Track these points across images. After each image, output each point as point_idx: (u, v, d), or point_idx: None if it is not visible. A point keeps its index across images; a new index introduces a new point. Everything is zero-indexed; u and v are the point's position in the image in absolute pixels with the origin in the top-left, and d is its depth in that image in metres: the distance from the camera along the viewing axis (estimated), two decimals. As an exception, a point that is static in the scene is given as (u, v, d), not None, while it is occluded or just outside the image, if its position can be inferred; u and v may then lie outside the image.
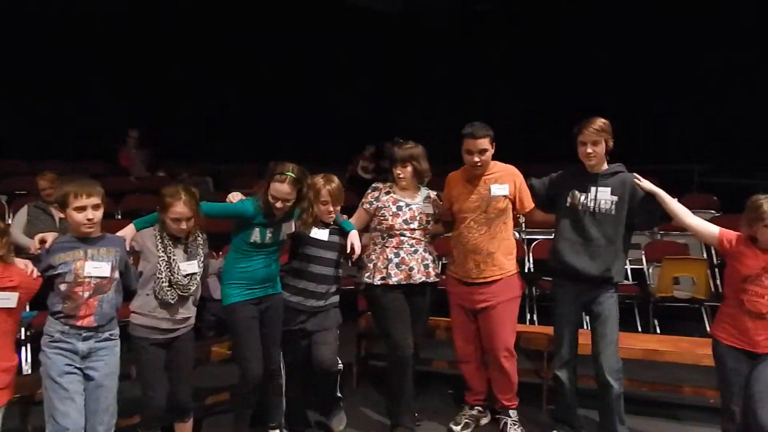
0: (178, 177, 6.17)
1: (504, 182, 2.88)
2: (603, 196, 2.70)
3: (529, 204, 2.95)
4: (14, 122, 6.59)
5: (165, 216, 2.44)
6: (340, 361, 2.88)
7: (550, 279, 4.50)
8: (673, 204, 2.63)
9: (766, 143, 6.88)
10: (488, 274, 2.86)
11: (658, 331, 4.44)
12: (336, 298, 2.90)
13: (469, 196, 2.89)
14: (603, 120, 2.71)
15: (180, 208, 2.41)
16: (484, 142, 2.79)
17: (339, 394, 2.98)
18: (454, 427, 3.02)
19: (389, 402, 3.03)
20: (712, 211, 5.67)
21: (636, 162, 8.27)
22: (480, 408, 3.10)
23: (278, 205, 2.58)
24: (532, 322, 4.60)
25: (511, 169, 2.95)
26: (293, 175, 2.56)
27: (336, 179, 2.84)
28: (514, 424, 2.95)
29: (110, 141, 7.17)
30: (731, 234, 2.48)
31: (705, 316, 4.43)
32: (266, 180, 2.61)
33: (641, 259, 5.00)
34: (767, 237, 2.33)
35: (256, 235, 2.63)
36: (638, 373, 3.29)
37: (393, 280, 2.87)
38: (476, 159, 2.80)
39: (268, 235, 2.65)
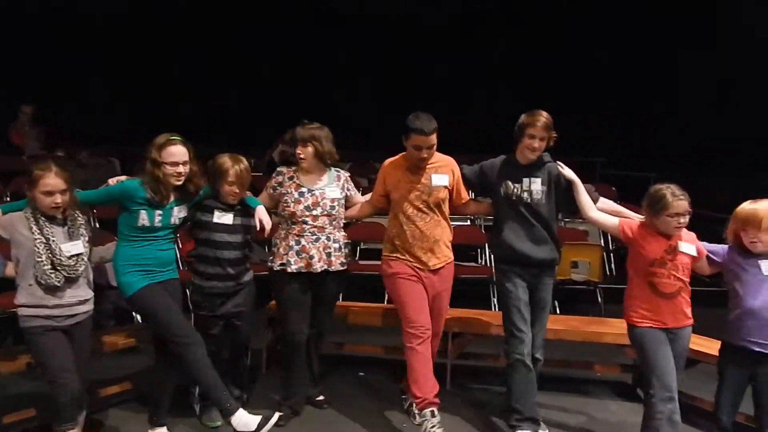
0: (78, 156, 5.72)
1: (444, 172, 2.90)
2: (535, 187, 2.79)
3: (465, 195, 3.02)
4: None
5: (35, 192, 2.28)
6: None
7: (465, 264, 4.69)
8: (583, 196, 2.76)
9: (659, 139, 7.54)
10: (436, 261, 2.90)
11: (558, 311, 4.75)
12: (250, 275, 2.88)
13: (411, 185, 2.87)
14: (547, 115, 2.76)
15: (51, 179, 2.26)
16: (434, 138, 2.78)
17: (240, 392, 2.93)
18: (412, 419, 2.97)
19: (283, 384, 3.02)
20: (610, 201, 6.10)
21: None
22: None
23: (179, 170, 2.50)
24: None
25: (450, 160, 2.98)
26: (180, 138, 2.50)
27: (245, 161, 2.76)
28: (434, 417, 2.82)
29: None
30: (631, 222, 2.64)
31: (599, 297, 4.75)
32: (151, 155, 2.50)
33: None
34: (669, 226, 2.48)
35: (143, 219, 2.51)
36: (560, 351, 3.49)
37: (292, 268, 2.82)
38: (425, 155, 2.81)
39: (157, 218, 2.54)
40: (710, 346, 3.04)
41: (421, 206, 2.85)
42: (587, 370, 3.54)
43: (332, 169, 2.98)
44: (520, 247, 2.79)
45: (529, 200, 2.79)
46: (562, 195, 2.82)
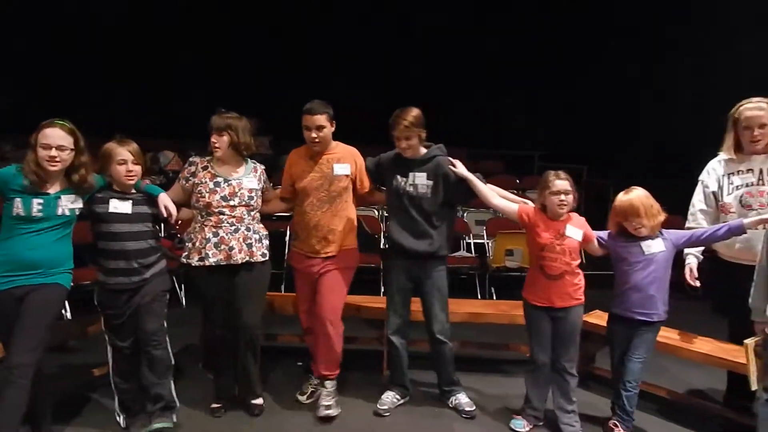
0: (2, 149, 5.45)
1: (346, 162, 2.96)
2: (420, 181, 2.90)
3: (368, 184, 3.07)
4: None
5: None
6: (171, 355, 2.72)
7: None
8: (481, 186, 2.90)
9: (594, 135, 7.90)
10: (329, 249, 2.96)
11: (495, 297, 4.97)
12: (161, 265, 2.71)
13: (312, 174, 2.93)
14: (414, 113, 2.83)
15: None
16: (321, 119, 2.83)
17: (171, 394, 2.75)
18: (300, 397, 3.12)
19: (215, 376, 3.03)
20: (499, 189, 6.36)
21: (488, 146, 8.89)
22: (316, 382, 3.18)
23: (51, 153, 2.30)
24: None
25: (353, 150, 3.04)
26: (63, 122, 2.37)
27: (134, 143, 2.63)
28: (328, 396, 2.95)
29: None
30: (528, 208, 2.82)
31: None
32: (32, 138, 2.33)
33: (483, 234, 5.52)
34: (553, 204, 2.69)
35: (18, 207, 2.30)
36: (466, 334, 3.66)
37: (211, 261, 2.75)
38: (314, 135, 2.85)
39: (36, 206, 2.31)
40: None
41: (322, 196, 2.93)
42: (516, 352, 3.71)
43: (249, 160, 2.95)
44: (399, 238, 2.93)
45: (414, 194, 2.89)
46: (451, 189, 2.91)
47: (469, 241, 5.52)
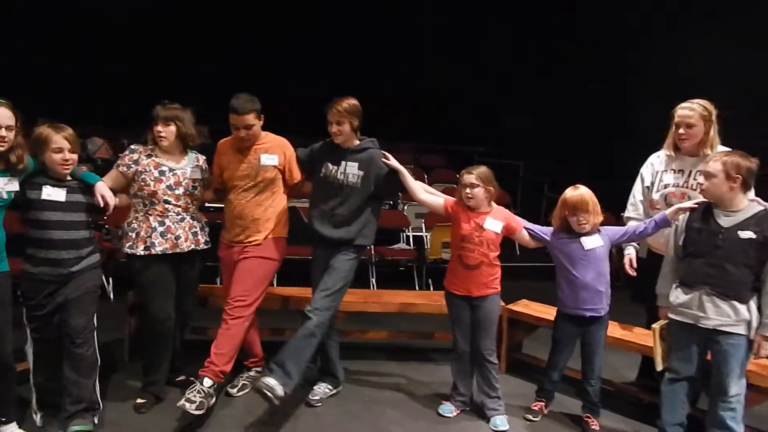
0: None
1: (274, 153, 2.93)
2: (351, 170, 2.90)
3: (298, 175, 3.05)
4: None
5: None
6: (98, 354, 2.60)
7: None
8: (411, 182, 2.95)
9: (532, 132, 8.17)
10: (253, 239, 2.93)
11: (432, 288, 5.06)
12: (93, 258, 2.60)
13: (239, 165, 2.90)
14: (350, 102, 2.85)
15: None
16: (249, 118, 2.79)
17: (94, 395, 2.61)
18: (231, 390, 3.07)
19: (145, 371, 2.93)
20: (424, 185, 6.51)
21: (431, 141, 8.96)
22: (258, 369, 3.20)
23: (2, 133, 2.22)
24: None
25: (282, 141, 3.01)
26: (5, 102, 2.26)
27: (69, 128, 2.52)
28: (200, 392, 2.68)
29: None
30: (452, 201, 2.90)
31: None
32: None
33: (422, 227, 5.62)
34: (461, 196, 2.78)
35: None
36: (398, 325, 3.72)
37: (157, 250, 2.75)
38: (242, 134, 2.83)
39: None
40: (546, 312, 3.45)
41: (248, 185, 2.90)
42: (444, 340, 3.80)
43: (190, 151, 2.94)
44: (319, 228, 2.93)
45: (344, 183, 2.91)
46: (381, 182, 2.94)
47: (408, 234, 5.60)
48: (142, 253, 2.74)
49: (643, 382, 3.23)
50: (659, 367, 2.68)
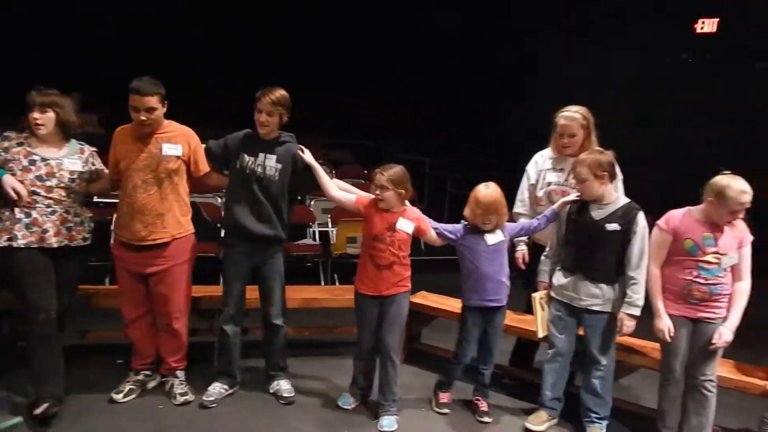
0: None
1: (177, 142, 2.81)
2: (269, 163, 2.86)
3: (204, 167, 2.94)
4: None
5: None
6: None
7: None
8: (324, 178, 2.95)
9: (438, 128, 8.45)
10: (158, 236, 2.78)
11: (337, 283, 5.09)
12: None
13: (139, 154, 2.75)
14: (283, 93, 2.84)
15: None
16: (152, 100, 2.66)
17: None
18: (116, 396, 2.89)
19: (31, 374, 2.68)
20: (341, 182, 6.59)
21: (339, 136, 8.99)
22: (147, 372, 3.04)
23: None
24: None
25: (187, 131, 2.90)
26: None
27: None
28: (181, 384, 2.97)
29: None
30: (365, 199, 2.90)
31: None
32: None
33: (328, 222, 5.61)
34: (377, 197, 2.80)
35: None
36: (301, 320, 3.71)
37: (20, 242, 2.58)
38: (142, 117, 2.68)
39: None
40: (443, 302, 3.60)
41: (148, 177, 2.77)
42: (345, 334, 3.85)
43: (74, 141, 2.76)
44: (243, 220, 2.87)
45: (261, 175, 2.86)
46: (297, 177, 2.94)
47: (314, 229, 5.56)
48: (4, 244, 2.58)
49: (518, 362, 3.51)
50: (540, 335, 2.96)
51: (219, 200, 5.30)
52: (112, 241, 2.97)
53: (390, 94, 8.81)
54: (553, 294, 2.89)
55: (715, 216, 2.54)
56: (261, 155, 2.87)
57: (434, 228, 2.99)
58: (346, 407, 2.97)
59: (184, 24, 7.89)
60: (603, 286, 2.71)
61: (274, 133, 2.92)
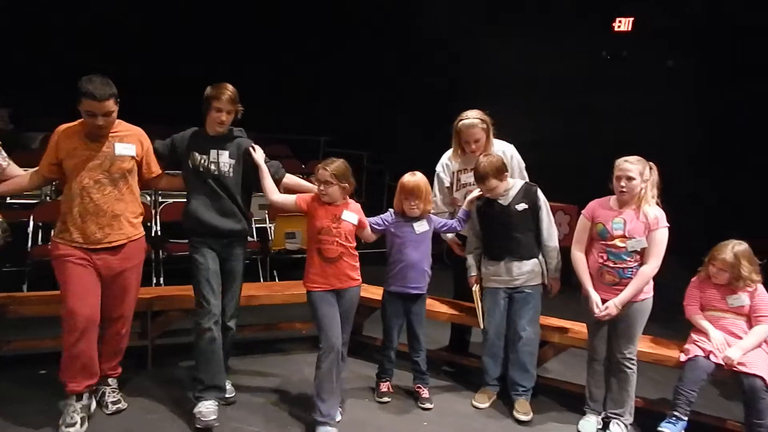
0: None
1: (130, 142, 2.70)
2: (222, 159, 2.80)
3: (156, 169, 2.87)
4: None
5: None
6: None
7: (178, 241, 4.58)
8: (267, 181, 2.88)
9: (374, 122, 8.48)
10: (114, 238, 2.65)
11: (277, 279, 5.03)
12: None
13: (89, 153, 2.59)
14: (234, 88, 2.77)
15: None
16: (110, 104, 2.52)
17: None
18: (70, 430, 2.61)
19: None
20: (295, 177, 6.51)
21: (275, 131, 8.82)
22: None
23: None
24: (158, 284, 4.54)
25: (138, 130, 2.79)
26: None
27: None
28: (113, 392, 2.83)
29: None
30: (306, 197, 2.87)
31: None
32: None
33: (265, 219, 5.52)
34: (319, 193, 2.78)
35: None
36: (242, 318, 3.61)
37: None
38: (100, 122, 2.53)
39: None
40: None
41: (100, 177, 2.62)
42: (292, 330, 3.82)
43: None
44: (207, 218, 2.80)
45: (216, 172, 2.81)
46: (251, 170, 2.88)
47: (252, 225, 5.45)
48: None
49: (455, 348, 3.64)
50: (482, 326, 3.12)
51: (148, 198, 5.09)
52: (30, 245, 2.76)
53: (325, 86, 8.74)
54: (486, 284, 3.07)
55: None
56: (213, 152, 2.80)
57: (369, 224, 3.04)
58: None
59: (90, 8, 7.42)
60: (529, 262, 3.00)
61: (225, 129, 2.85)
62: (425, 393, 3.11)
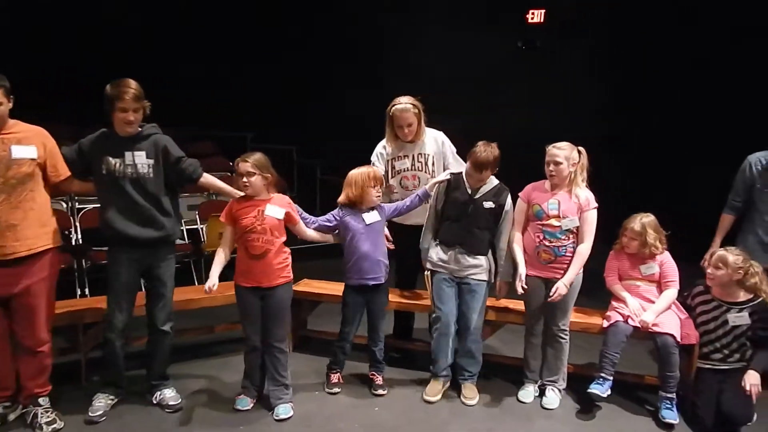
0: None
1: (29, 143, 2.51)
2: (140, 160, 2.67)
3: (65, 171, 2.68)
4: None
5: None
6: None
7: (102, 249, 4.35)
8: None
9: (303, 117, 8.38)
10: (10, 251, 2.47)
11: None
12: None
13: None
14: (137, 84, 2.64)
15: None
16: None
17: None
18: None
19: None
20: (214, 178, 6.37)
21: (200, 127, 8.55)
22: (6, 404, 2.70)
23: None
24: (84, 295, 4.30)
25: (40, 131, 2.60)
26: None
27: None
28: (46, 412, 2.68)
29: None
30: (225, 210, 2.85)
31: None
32: None
33: (196, 219, 5.35)
34: (241, 187, 2.78)
35: None
36: (179, 323, 3.50)
37: None
38: None
39: None
40: (327, 287, 3.68)
41: None
42: (233, 331, 3.76)
43: None
44: (123, 227, 2.68)
45: (135, 175, 2.68)
46: (171, 168, 2.78)
47: (181, 228, 5.25)
48: None
49: (399, 333, 3.74)
50: (434, 309, 3.14)
51: (63, 205, 4.78)
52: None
53: (251, 82, 8.53)
54: (434, 268, 3.11)
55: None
56: (128, 154, 2.66)
57: (312, 224, 3.07)
58: (244, 408, 2.91)
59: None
60: (480, 257, 3.03)
61: (136, 128, 2.72)
62: (379, 380, 3.18)
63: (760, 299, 2.88)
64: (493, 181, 3.05)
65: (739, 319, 2.89)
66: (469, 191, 3.01)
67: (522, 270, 2.99)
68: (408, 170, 3.31)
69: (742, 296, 2.92)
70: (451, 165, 3.32)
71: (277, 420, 2.82)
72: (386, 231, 3.24)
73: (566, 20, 7.43)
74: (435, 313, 3.10)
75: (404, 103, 3.23)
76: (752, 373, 2.78)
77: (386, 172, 3.38)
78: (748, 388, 2.73)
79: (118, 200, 2.67)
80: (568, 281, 2.93)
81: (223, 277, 2.85)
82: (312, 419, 2.86)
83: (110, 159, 2.65)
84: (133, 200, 2.67)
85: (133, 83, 2.62)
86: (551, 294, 2.92)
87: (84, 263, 4.46)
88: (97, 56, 6.76)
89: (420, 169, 3.32)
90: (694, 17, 6.52)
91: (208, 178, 2.94)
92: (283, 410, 2.86)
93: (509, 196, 3.05)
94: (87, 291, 4.37)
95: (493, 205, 3.00)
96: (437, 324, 3.08)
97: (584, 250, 2.94)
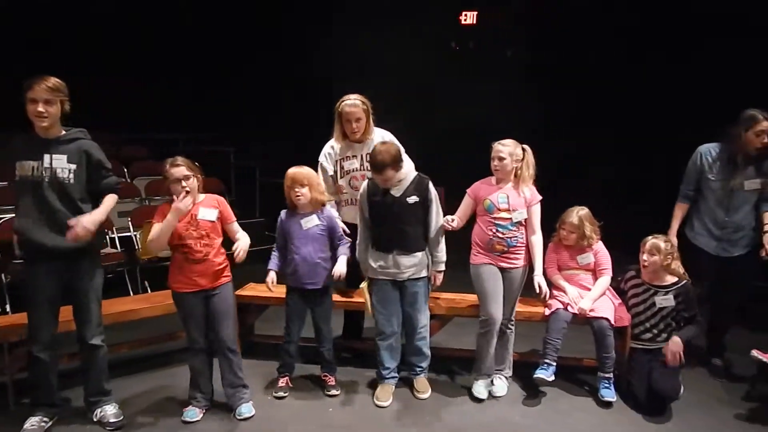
0: None
1: None
2: (59, 164, 2.51)
3: None
4: None
5: None
6: None
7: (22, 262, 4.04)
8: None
9: (240, 118, 8.16)
10: None
11: (149, 290, 4.68)
12: None
13: None
14: (57, 80, 2.50)
15: None
16: None
17: None
18: None
19: None
20: None
21: (131, 130, 8.14)
22: None
23: None
24: (5, 313, 3.99)
25: None
26: None
27: None
28: None
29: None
30: (157, 215, 2.73)
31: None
32: None
33: (129, 226, 5.08)
34: (176, 191, 2.66)
35: None
36: (118, 336, 3.34)
37: None
38: None
39: None
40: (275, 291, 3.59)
41: None
42: (176, 341, 3.62)
43: None
44: (39, 237, 2.52)
45: (52, 180, 2.52)
46: (96, 174, 2.65)
47: (113, 235, 4.97)
48: None
49: (348, 335, 3.74)
50: (371, 315, 3.16)
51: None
52: None
53: (182, 83, 8.21)
54: (375, 276, 3.05)
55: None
56: (46, 157, 2.50)
57: (345, 244, 3.07)
58: (193, 420, 2.80)
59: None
60: (417, 254, 3.02)
61: (57, 128, 2.56)
62: (331, 381, 3.17)
63: (683, 282, 3.13)
64: (411, 175, 2.99)
65: (666, 301, 3.12)
66: (392, 192, 2.94)
67: (539, 268, 3.07)
68: (357, 170, 3.31)
69: (668, 280, 3.15)
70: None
71: (239, 419, 2.81)
72: (342, 225, 3.20)
73: (497, 22, 7.70)
74: (377, 320, 3.09)
75: (353, 99, 3.23)
76: (675, 339, 3.03)
77: (335, 172, 3.36)
78: (669, 355, 2.96)
79: (35, 207, 2.51)
80: (540, 272, 3.08)
81: (162, 286, 2.73)
82: (265, 424, 2.80)
83: (26, 163, 2.49)
84: (51, 206, 2.51)
85: (51, 77, 2.49)
86: (537, 291, 3.03)
87: (3, 278, 4.13)
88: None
89: (369, 168, 3.28)
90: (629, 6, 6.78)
91: (106, 200, 2.67)
92: (246, 409, 2.84)
93: (431, 185, 3.00)
94: (8, 308, 4.05)
95: (418, 199, 2.94)
96: (381, 330, 3.08)
97: (538, 240, 3.09)
